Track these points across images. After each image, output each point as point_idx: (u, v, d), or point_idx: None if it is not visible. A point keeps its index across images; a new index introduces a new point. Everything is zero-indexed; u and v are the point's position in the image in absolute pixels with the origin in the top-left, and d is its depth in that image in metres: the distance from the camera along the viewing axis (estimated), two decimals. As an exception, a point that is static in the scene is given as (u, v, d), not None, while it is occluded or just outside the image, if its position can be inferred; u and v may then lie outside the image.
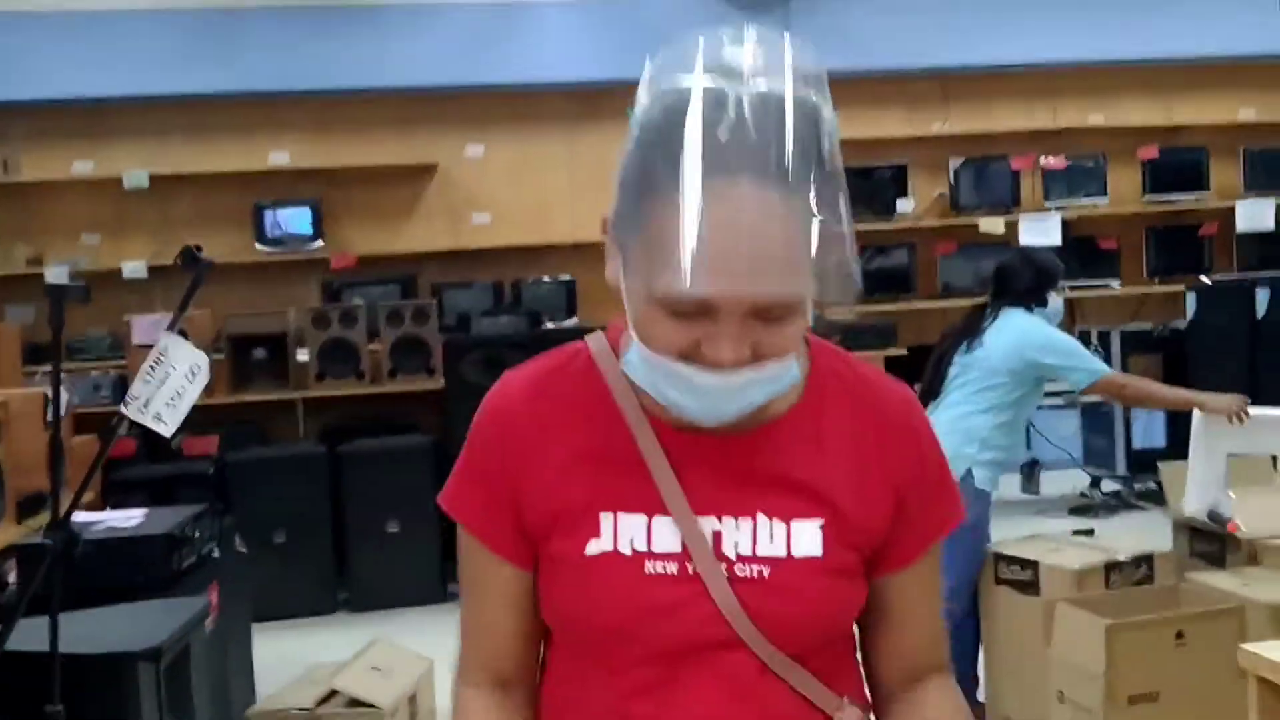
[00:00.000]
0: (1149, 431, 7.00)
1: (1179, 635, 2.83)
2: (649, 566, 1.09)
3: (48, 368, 5.02)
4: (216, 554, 3.77)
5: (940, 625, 1.24)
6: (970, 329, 3.82)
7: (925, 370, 3.89)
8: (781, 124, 0.98)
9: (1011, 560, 3.62)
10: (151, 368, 2.45)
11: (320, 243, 7.00)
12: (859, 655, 1.22)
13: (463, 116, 7.36)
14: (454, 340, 6.04)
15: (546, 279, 7.20)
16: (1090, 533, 3.94)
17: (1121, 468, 7.03)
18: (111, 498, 5.01)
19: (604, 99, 7.20)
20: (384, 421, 6.19)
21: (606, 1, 7.27)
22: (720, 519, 1.10)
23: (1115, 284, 7.72)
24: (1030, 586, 3.54)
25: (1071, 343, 3.76)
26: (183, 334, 2.73)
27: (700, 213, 0.96)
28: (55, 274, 6.29)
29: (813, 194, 0.99)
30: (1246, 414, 3.58)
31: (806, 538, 1.10)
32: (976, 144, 7.69)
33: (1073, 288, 7.64)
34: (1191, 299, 7.07)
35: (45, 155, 6.95)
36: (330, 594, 5.60)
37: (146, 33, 6.84)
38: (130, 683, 2.56)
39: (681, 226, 0.96)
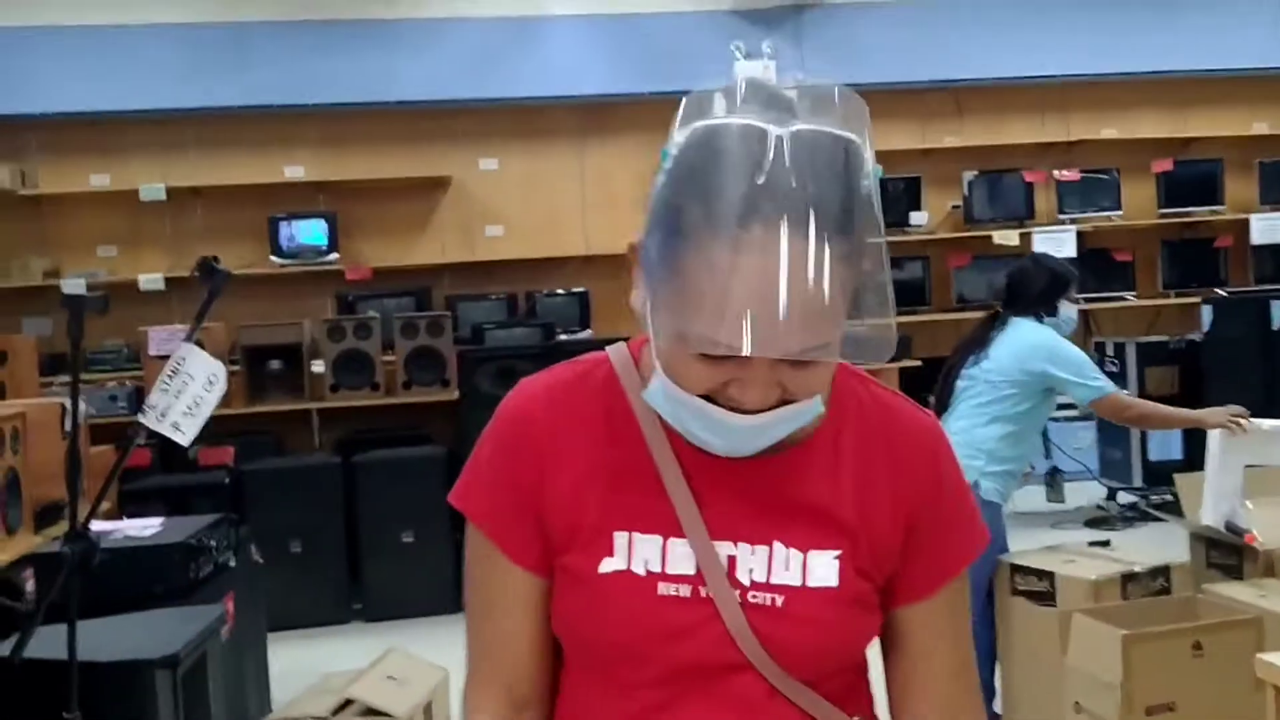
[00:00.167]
0: (1165, 443, 6.98)
1: (1196, 646, 2.81)
2: (662, 588, 1.07)
3: (65, 379, 5.05)
4: (232, 563, 3.78)
5: (971, 670, 1.19)
6: (978, 340, 3.81)
7: (937, 383, 3.89)
8: (824, 167, 0.94)
9: (1028, 571, 3.61)
10: (169, 377, 2.46)
11: (335, 255, 7.03)
12: (870, 679, 1.20)
13: (475, 130, 7.40)
14: (468, 352, 6.06)
15: (560, 291, 7.22)
16: (1107, 544, 3.92)
17: (1138, 479, 7.00)
18: (128, 508, 5.02)
19: (615, 112, 7.23)
20: (398, 432, 6.21)
21: (617, 16, 7.29)
22: (736, 544, 1.08)
23: (1130, 296, 7.71)
24: (1047, 597, 3.53)
25: (1079, 356, 3.71)
26: (199, 344, 2.74)
27: (738, 267, 0.92)
28: (72, 286, 6.33)
29: (853, 242, 0.96)
30: (1245, 421, 3.56)
31: (822, 568, 1.09)
32: (990, 156, 7.70)
33: (1088, 300, 7.63)
34: (1207, 311, 7.06)
35: (62, 168, 7.00)
36: (345, 604, 5.61)
37: (162, 48, 6.89)
38: (147, 690, 2.57)
39: (720, 281, 0.93)
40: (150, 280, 6.74)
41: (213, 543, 3.58)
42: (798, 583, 1.08)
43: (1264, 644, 2.73)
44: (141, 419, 2.46)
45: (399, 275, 7.18)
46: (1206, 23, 7.69)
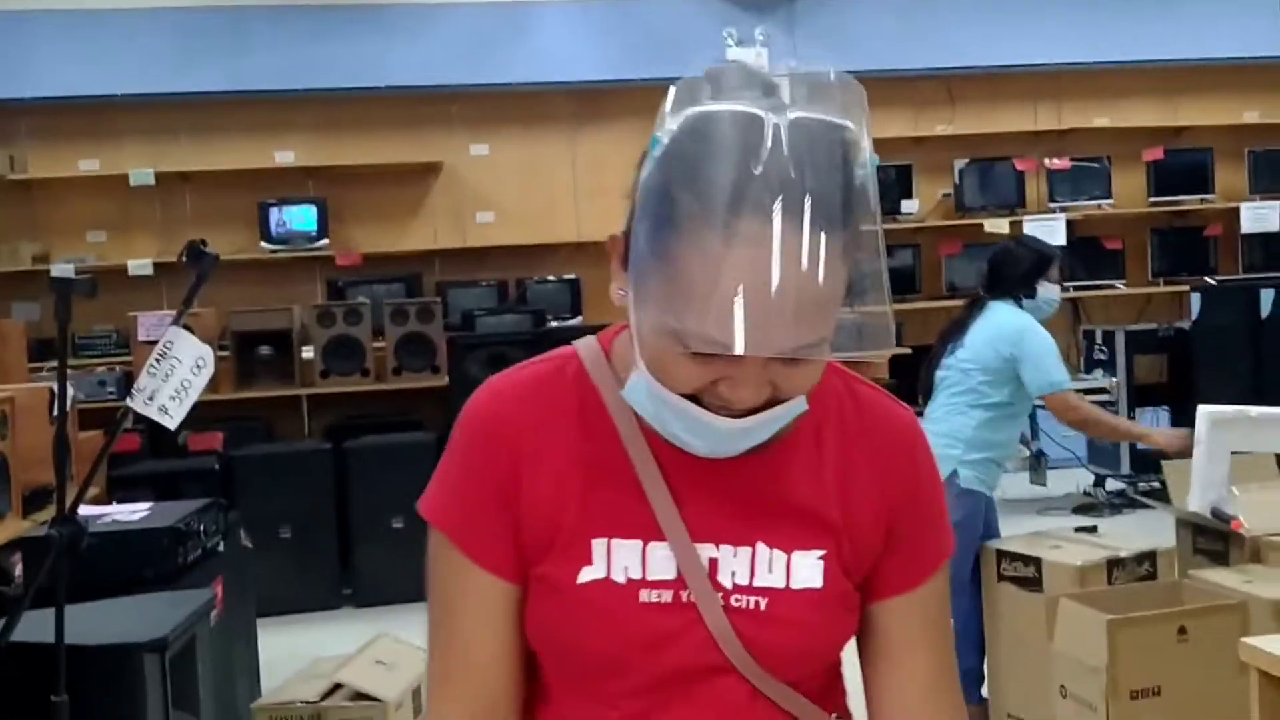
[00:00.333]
0: (1153, 431, 6.99)
1: (1181, 631, 2.83)
2: (644, 595, 1.04)
3: (54, 364, 5.04)
4: (221, 548, 3.78)
5: (950, 670, 1.16)
6: (956, 328, 3.79)
7: (921, 373, 3.89)
8: (823, 156, 0.91)
9: (1014, 557, 3.62)
10: (157, 360, 2.46)
11: (325, 241, 7.02)
12: (844, 673, 1.18)
13: (467, 116, 7.38)
14: (459, 338, 6.05)
15: (551, 278, 7.22)
16: (1093, 530, 3.93)
17: (1125, 466, 7.03)
18: (117, 493, 5.02)
19: (608, 99, 7.21)
20: (389, 418, 6.21)
21: (610, 2, 7.28)
22: (718, 546, 1.05)
23: (1120, 284, 7.73)
24: (1033, 583, 3.54)
25: (1046, 345, 3.66)
26: (188, 328, 2.74)
27: (734, 260, 0.88)
28: (61, 271, 6.30)
29: (850, 233, 0.92)
30: (1187, 445, 3.58)
31: (806, 569, 1.06)
32: (981, 145, 7.70)
33: (1077, 288, 7.66)
34: (1196, 300, 7.08)
35: (52, 153, 6.98)
36: (335, 589, 5.62)
37: (153, 32, 6.87)
38: (136, 674, 2.57)
39: (714, 275, 0.89)
40: (139, 266, 6.72)
41: (201, 527, 3.58)
42: (781, 584, 1.05)
43: (1249, 629, 2.74)
44: (129, 403, 2.46)
45: (389, 261, 7.17)
46: (1198, 11, 7.70)
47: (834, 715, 1.11)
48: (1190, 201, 7.80)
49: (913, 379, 4.10)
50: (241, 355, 6.37)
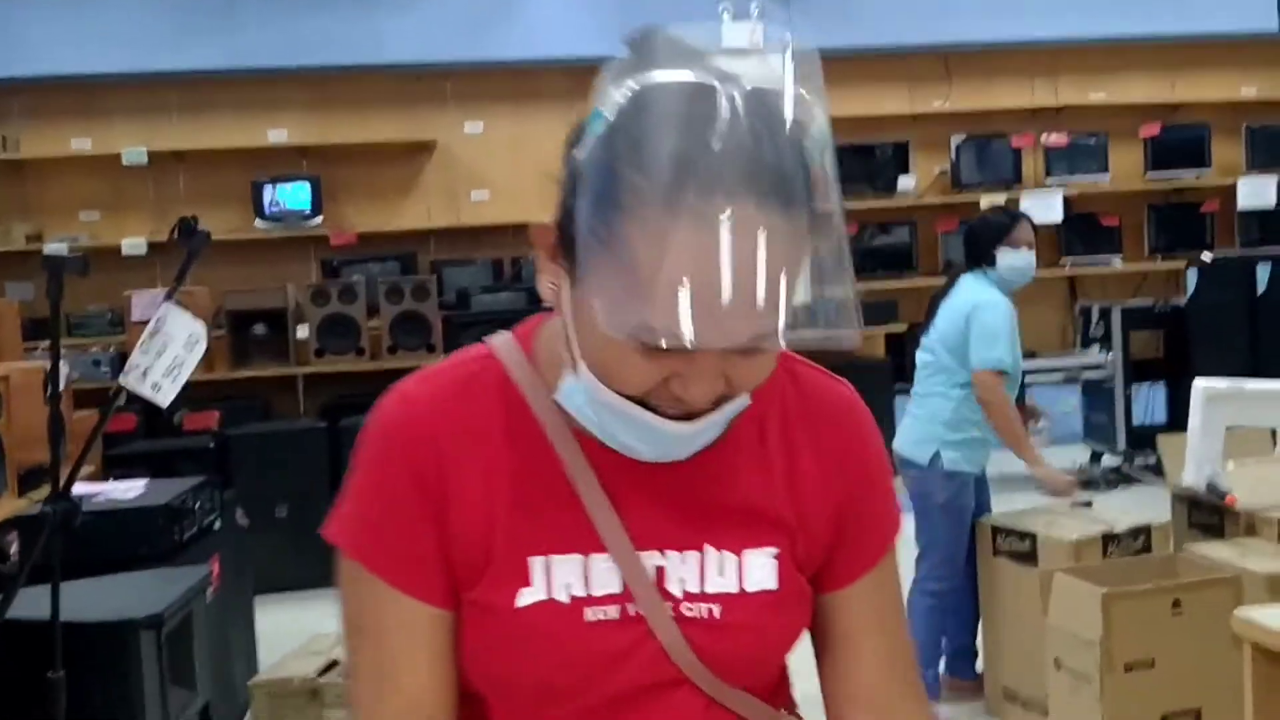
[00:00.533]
0: (1149, 407, 7.01)
1: (1175, 604, 2.83)
2: (589, 614, 0.96)
3: (48, 343, 5.02)
4: (218, 526, 3.78)
5: (907, 656, 1.11)
6: (930, 309, 3.79)
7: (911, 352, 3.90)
8: (779, 129, 0.84)
9: (1009, 532, 3.63)
10: (149, 338, 2.45)
11: (319, 219, 7.00)
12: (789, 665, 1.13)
13: (461, 93, 7.35)
14: (454, 317, 6.05)
15: (546, 256, 7.20)
16: (1088, 505, 3.94)
17: (1122, 443, 7.04)
18: (112, 472, 5.01)
19: (603, 75, 7.18)
20: (384, 397, 6.20)
21: (606, -23, 7.24)
22: (664, 553, 0.98)
23: (1116, 261, 7.72)
24: (1028, 558, 3.55)
25: (996, 324, 3.57)
26: (180, 305, 2.73)
27: (690, 245, 0.80)
28: (54, 251, 6.28)
29: (810, 212, 0.86)
30: (1073, 493, 3.59)
31: (760, 570, 1.00)
32: (978, 121, 7.68)
33: (1074, 264, 7.66)
34: (1192, 275, 7.07)
35: (44, 132, 6.94)
36: (331, 566, 5.59)
37: (144, 10, 6.83)
38: (132, 650, 2.57)
39: (669, 262, 0.81)
40: (133, 245, 6.70)
41: (197, 505, 3.58)
42: (734, 589, 0.99)
43: (1243, 602, 2.75)
44: (122, 380, 2.45)
45: (384, 240, 7.15)
46: (1195, -14, 7.67)
47: (782, 710, 1.06)
48: (1187, 177, 7.78)
49: (907, 358, 4.11)
50: (236, 334, 6.36)
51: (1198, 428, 3.64)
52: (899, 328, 6.64)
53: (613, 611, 0.97)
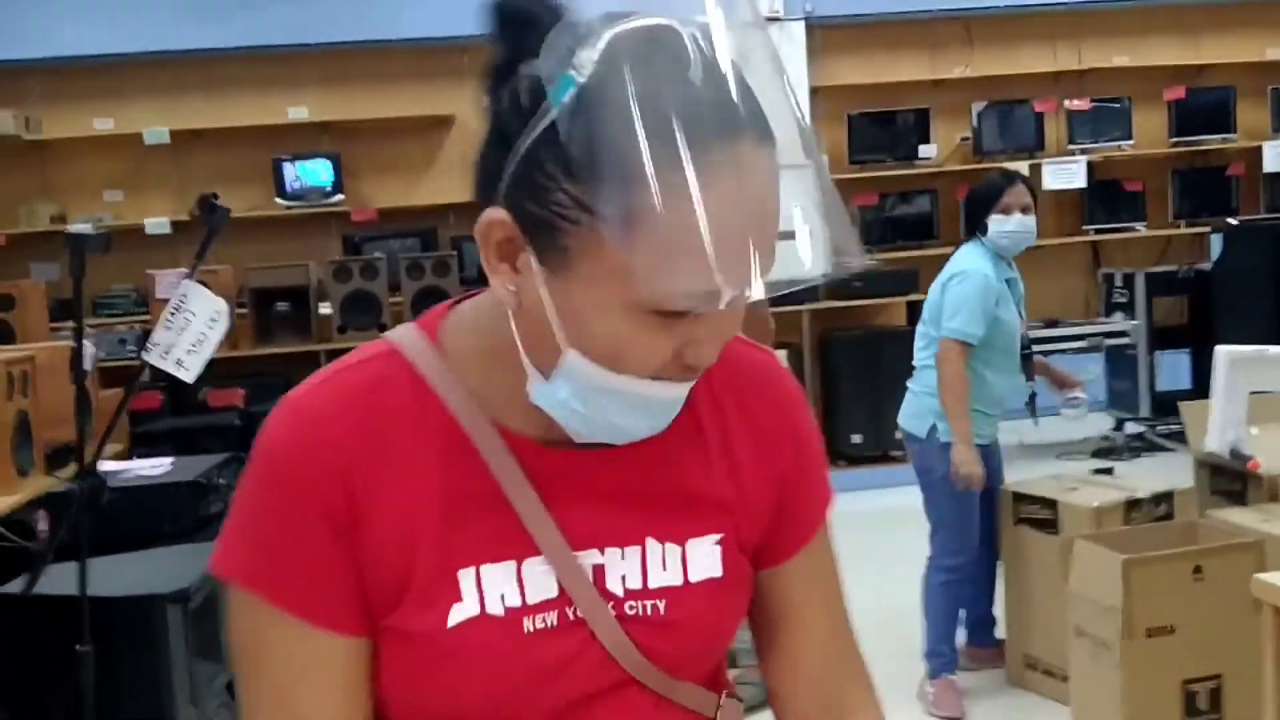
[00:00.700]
0: (1174, 374, 6.98)
1: (1196, 570, 2.83)
2: (527, 624, 0.89)
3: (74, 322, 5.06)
4: (242, 502, 3.82)
5: (847, 626, 1.08)
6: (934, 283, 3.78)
7: None
8: (757, 62, 0.81)
9: (1031, 499, 3.63)
10: (171, 315, 2.48)
11: (340, 196, 7.02)
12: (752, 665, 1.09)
13: (479, 68, 7.30)
14: (475, 292, 6.04)
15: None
16: (1110, 471, 3.94)
17: (1146, 410, 7.01)
18: (139, 450, 5.07)
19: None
20: (407, 373, 6.23)
21: (623, -52, 7.20)
22: (603, 551, 0.92)
23: (1140, 227, 7.65)
24: (1050, 525, 3.55)
25: (968, 295, 3.53)
26: (203, 283, 2.75)
27: (715, 195, 0.76)
28: (80, 230, 6.33)
29: (802, 139, 0.83)
30: (971, 485, 3.51)
31: (705, 557, 0.95)
32: (999, 87, 7.61)
33: (1098, 230, 7.60)
34: (1217, 241, 7.01)
35: (65, 113, 6.98)
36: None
37: (163, -12, 6.84)
38: (159, 624, 2.61)
39: (695, 217, 0.75)
40: (156, 224, 6.74)
41: (222, 481, 3.62)
42: (679, 581, 0.94)
43: (1265, 567, 2.74)
44: (145, 357, 2.48)
45: (404, 215, 7.16)
46: (1220, -54, 7.57)
47: (724, 693, 1.02)
48: (1212, 141, 7.70)
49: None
50: (259, 312, 6.40)
51: (1221, 393, 3.62)
52: (920, 297, 6.60)
53: (552, 618, 0.90)
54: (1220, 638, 2.83)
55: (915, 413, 3.67)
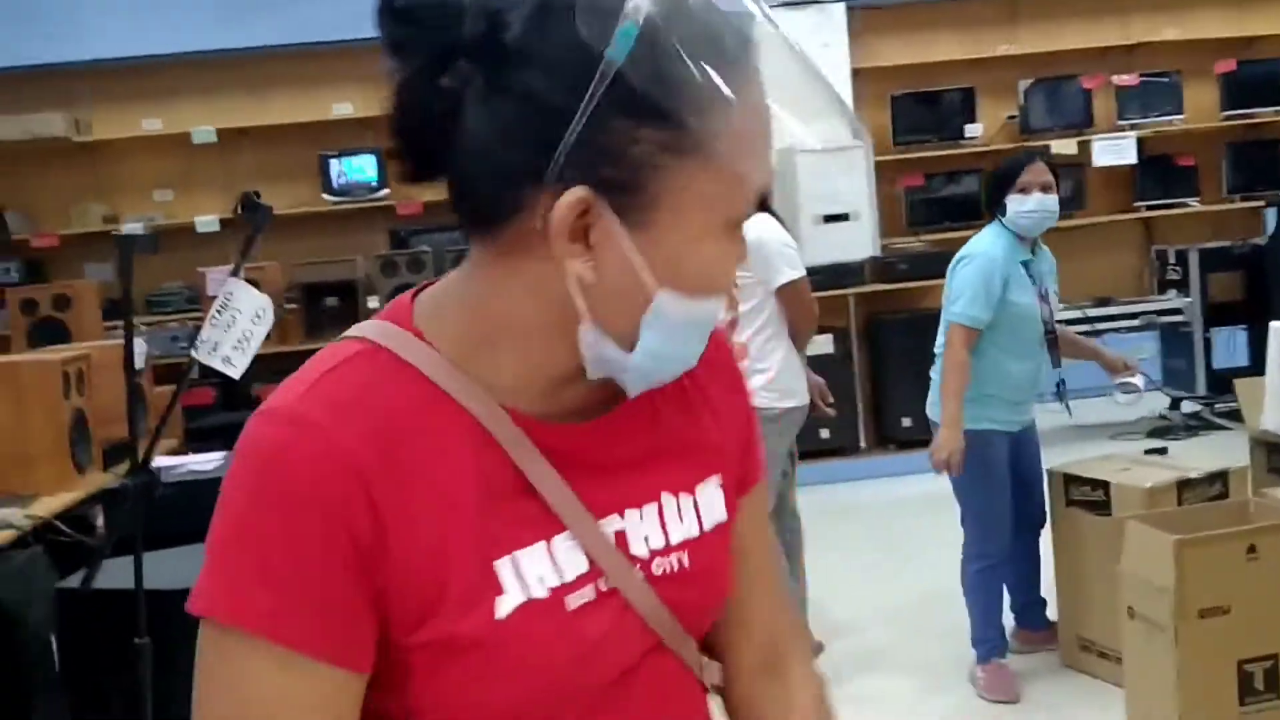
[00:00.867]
0: (1230, 351, 6.87)
1: (1250, 549, 2.79)
2: (570, 601, 0.87)
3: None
4: (294, 495, 3.86)
5: (785, 583, 1.09)
6: None
7: None
8: None
9: (1083, 481, 3.59)
10: (218, 312, 2.51)
11: (386, 191, 7.07)
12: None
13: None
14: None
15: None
16: (1163, 451, 3.88)
17: (1202, 388, 6.91)
18: (192, 445, 5.15)
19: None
20: (455, 365, 6.27)
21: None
22: (622, 515, 0.91)
23: (1193, 202, 7.53)
24: (1102, 507, 3.51)
25: (974, 278, 3.50)
26: (252, 283, 2.79)
27: (758, 92, 0.84)
28: (130, 231, 6.42)
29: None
30: (949, 469, 3.47)
31: (713, 502, 0.97)
32: (1046, 64, 7.51)
33: (1149, 207, 7.50)
34: (1271, 215, 6.89)
35: (114, 114, 7.08)
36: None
37: (207, -11, 6.92)
38: (213, 616, 2.64)
39: (760, 123, 0.84)
40: (206, 222, 6.83)
41: (274, 475, 3.66)
42: (696, 531, 0.95)
43: (1322, 546, 2.71)
44: (194, 354, 2.52)
45: (450, 209, 7.18)
46: (1271, -87, 7.41)
47: (704, 657, 1.00)
48: (1265, 114, 7.54)
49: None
50: (308, 307, 6.47)
51: (1277, 370, 3.56)
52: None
53: (588, 593, 0.88)
54: (1276, 617, 2.79)
55: (934, 399, 3.64)
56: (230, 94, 7.13)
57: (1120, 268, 7.64)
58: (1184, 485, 3.41)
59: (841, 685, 3.80)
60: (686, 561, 0.93)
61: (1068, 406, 3.72)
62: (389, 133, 0.89)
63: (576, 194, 0.80)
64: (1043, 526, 3.77)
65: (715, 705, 1.04)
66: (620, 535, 0.91)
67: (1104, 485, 3.51)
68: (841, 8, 7.05)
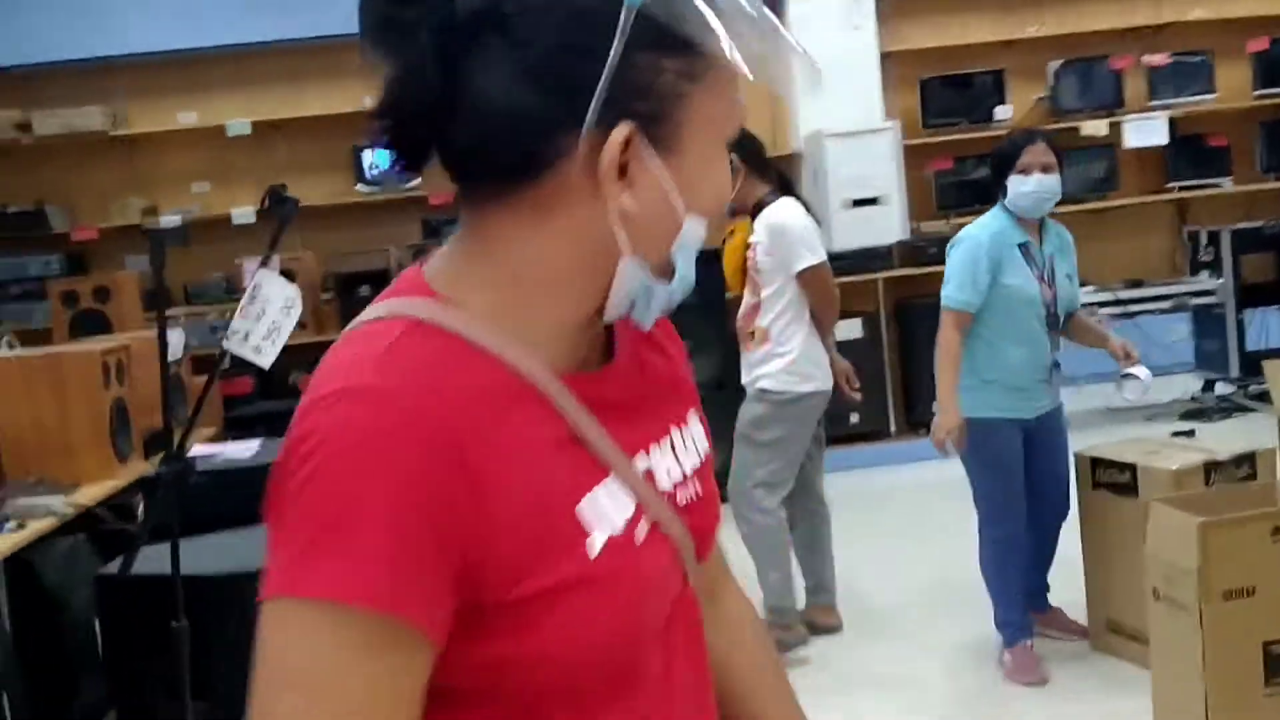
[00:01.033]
0: (1263, 332, 6.81)
1: (1275, 531, 2.79)
2: (636, 535, 0.91)
3: (170, 311, 5.22)
4: (329, 482, 3.93)
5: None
6: None
7: None
8: None
9: (1109, 464, 3.60)
10: (248, 303, 2.57)
11: (418, 181, 7.12)
12: None
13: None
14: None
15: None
16: (1191, 434, 3.88)
17: (1235, 370, 6.86)
18: (231, 433, 5.24)
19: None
20: (488, 353, 6.32)
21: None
22: (647, 452, 0.95)
23: (1226, 182, 7.46)
24: (1129, 489, 3.52)
25: (966, 260, 3.50)
26: (286, 274, 2.85)
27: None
28: (169, 223, 6.53)
29: None
30: (944, 450, 3.49)
31: (700, 431, 1.04)
32: (1075, 44, 7.46)
33: (1182, 188, 7.44)
34: (1306, 194, 6.82)
35: (150, 108, 7.18)
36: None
37: (240, -17, 6.99)
38: (249, 600, 2.69)
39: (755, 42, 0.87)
40: (242, 214, 6.92)
41: (308, 462, 3.72)
42: (699, 458, 1.01)
43: (1347, 527, 2.70)
44: (225, 344, 2.58)
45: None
46: (1306, -111, 7.31)
47: None
48: (1300, 92, 7.47)
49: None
50: (343, 297, 6.55)
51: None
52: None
53: (642, 530, 0.91)
54: (1302, 599, 2.79)
55: None
56: (264, 87, 7.21)
57: (1152, 249, 7.59)
58: (1211, 467, 3.42)
59: (869, 667, 3.83)
60: (700, 489, 0.99)
61: (1057, 391, 3.69)
62: (380, 127, 0.91)
63: (624, 131, 0.84)
64: (1065, 516, 3.77)
65: None
66: (648, 473, 0.94)
67: (1131, 468, 3.52)
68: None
